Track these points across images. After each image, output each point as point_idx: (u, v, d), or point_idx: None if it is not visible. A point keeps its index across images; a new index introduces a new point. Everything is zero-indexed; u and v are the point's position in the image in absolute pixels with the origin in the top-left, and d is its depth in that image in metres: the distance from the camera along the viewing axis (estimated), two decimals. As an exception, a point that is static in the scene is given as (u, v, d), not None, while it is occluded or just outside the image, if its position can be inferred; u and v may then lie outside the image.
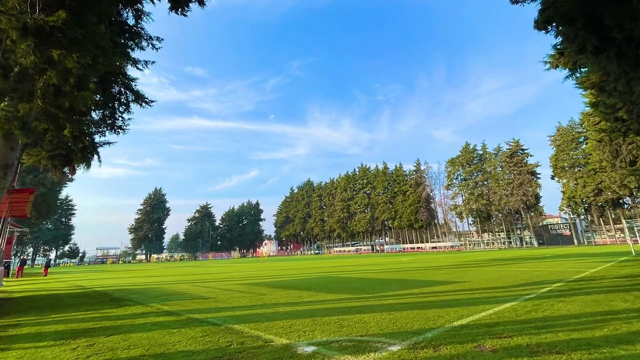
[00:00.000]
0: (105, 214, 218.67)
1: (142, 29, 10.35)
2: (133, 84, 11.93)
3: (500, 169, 75.82)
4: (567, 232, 68.27)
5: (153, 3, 9.52)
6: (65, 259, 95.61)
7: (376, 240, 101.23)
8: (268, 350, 4.21)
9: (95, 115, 11.71)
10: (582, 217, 66.96)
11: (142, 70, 11.85)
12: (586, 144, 61.71)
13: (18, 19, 5.42)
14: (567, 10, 9.02)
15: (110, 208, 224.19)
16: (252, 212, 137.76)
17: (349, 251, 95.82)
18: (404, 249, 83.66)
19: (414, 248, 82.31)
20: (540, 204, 70.89)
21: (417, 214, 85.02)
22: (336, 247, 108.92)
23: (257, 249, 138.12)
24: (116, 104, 11.89)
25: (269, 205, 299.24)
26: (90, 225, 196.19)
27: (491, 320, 5.10)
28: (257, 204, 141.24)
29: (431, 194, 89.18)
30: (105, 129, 11.88)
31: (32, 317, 7.14)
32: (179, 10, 9.04)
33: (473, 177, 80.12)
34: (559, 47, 12.54)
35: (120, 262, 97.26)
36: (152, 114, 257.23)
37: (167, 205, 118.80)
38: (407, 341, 4.29)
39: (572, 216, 67.66)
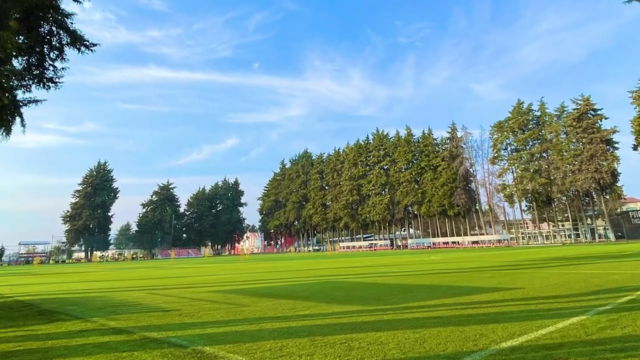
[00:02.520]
0: (31, 198, 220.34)
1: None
2: (69, 21, 11.65)
3: (565, 136, 75.50)
4: (655, 221, 68.62)
5: None
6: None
7: (397, 233, 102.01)
8: (251, 381, 4.22)
9: (17, 63, 11.51)
10: (675, 201, 67.16)
11: (81, 2, 11.56)
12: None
13: None
14: None
15: (37, 189, 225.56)
16: (229, 195, 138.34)
17: (360, 247, 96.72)
18: (434, 244, 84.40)
19: (447, 243, 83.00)
20: (618, 184, 70.95)
21: (453, 197, 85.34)
22: (343, 241, 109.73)
23: (237, 244, 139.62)
24: (46, 49, 11.65)
25: (252, 185, 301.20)
26: (10, 212, 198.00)
27: (552, 340, 5.10)
28: (236, 183, 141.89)
29: (471, 169, 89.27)
30: (31, 82, 11.69)
31: None
32: None
33: (528, 147, 79.91)
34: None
35: (51, 261, 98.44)
36: (95, 62, 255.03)
37: (115, 185, 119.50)
38: (439, 369, 4.29)
39: (662, 200, 67.83)
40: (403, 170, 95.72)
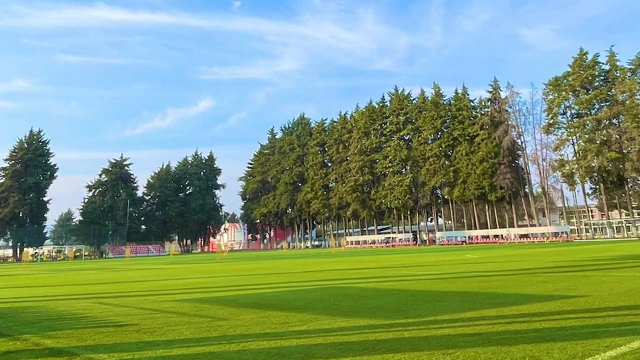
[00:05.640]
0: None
1: None
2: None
3: (642, 97, 75.15)
4: None
5: None
6: None
7: (421, 224, 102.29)
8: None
9: None
10: None
11: None
12: None
13: None
14: None
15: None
16: (201, 174, 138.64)
17: (374, 242, 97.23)
18: (470, 238, 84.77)
19: (487, 237, 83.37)
20: None
21: (495, 176, 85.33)
22: (351, 234, 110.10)
23: (212, 239, 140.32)
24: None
25: (232, 160, 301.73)
26: None
27: (626, 364, 5.10)
28: (211, 158, 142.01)
29: (519, 141, 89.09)
30: None
31: None
32: None
33: (593, 112, 79.59)
34: None
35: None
36: (27, 1, 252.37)
37: (52, 161, 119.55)
38: (477, 402, 4.29)
39: None
40: (429, 141, 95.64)
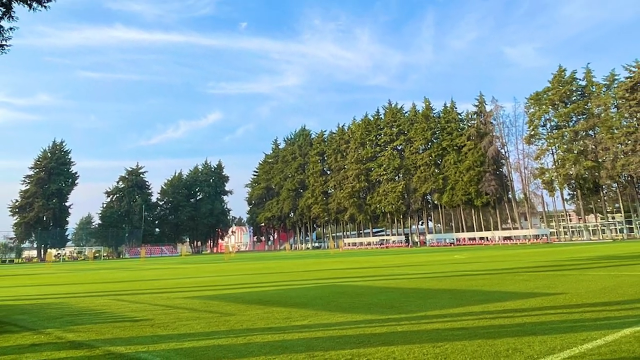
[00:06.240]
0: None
1: None
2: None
3: (616, 110, 75.14)
4: None
5: None
6: None
7: (413, 227, 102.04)
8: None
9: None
10: None
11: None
12: None
13: None
14: None
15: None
16: (210, 181, 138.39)
17: (369, 244, 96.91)
18: (457, 240, 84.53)
19: (474, 239, 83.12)
20: (681, 168, 70.76)
21: (480, 183, 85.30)
22: (348, 237, 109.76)
23: (220, 241, 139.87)
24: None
25: (239, 169, 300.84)
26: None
27: (600, 356, 5.09)
28: (220, 167, 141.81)
29: (503, 150, 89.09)
30: (-29, 45, 11.59)
31: None
32: None
33: (571, 124, 79.63)
34: None
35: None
36: (50, 22, 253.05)
37: (73, 169, 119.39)
38: (464, 391, 4.28)
39: None
40: (420, 151, 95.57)
